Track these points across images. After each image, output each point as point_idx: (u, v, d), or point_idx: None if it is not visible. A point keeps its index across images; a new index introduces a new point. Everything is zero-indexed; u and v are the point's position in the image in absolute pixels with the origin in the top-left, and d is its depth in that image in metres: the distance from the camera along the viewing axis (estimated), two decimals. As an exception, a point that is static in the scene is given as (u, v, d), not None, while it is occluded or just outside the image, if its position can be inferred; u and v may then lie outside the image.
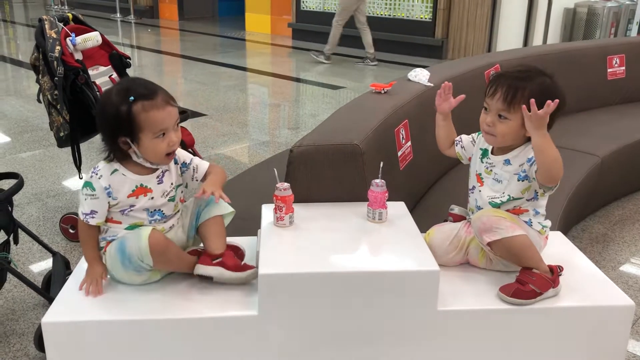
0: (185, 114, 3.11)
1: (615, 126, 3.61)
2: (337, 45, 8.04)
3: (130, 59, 3.07)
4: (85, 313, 1.65)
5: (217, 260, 1.72)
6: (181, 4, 13.26)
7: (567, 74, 3.43)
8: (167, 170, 1.78)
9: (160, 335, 1.66)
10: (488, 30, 8.01)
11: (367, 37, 7.92)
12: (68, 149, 2.97)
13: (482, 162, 1.87)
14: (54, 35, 2.74)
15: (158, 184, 1.75)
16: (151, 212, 1.75)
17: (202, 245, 1.84)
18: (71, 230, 2.94)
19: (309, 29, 9.76)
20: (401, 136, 2.38)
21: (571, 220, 2.97)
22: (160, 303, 1.69)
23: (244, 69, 8.18)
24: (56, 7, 14.61)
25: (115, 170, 1.70)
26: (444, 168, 2.91)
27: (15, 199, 2.29)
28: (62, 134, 2.86)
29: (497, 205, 1.81)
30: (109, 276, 1.77)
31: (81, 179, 2.98)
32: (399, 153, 2.35)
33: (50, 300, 2.01)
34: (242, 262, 1.79)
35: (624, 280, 2.67)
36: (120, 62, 3.01)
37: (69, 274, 1.91)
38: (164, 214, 1.77)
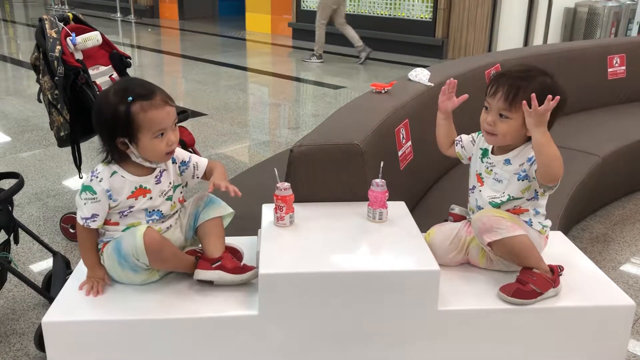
0: (185, 114, 3.11)
1: (616, 126, 3.61)
2: (324, 43, 8.09)
3: (130, 58, 3.07)
4: (85, 313, 1.65)
5: (217, 264, 1.72)
6: (181, 3, 13.26)
7: (568, 73, 3.43)
8: (165, 170, 1.78)
9: (161, 335, 1.65)
10: (488, 30, 8.00)
11: (350, 32, 8.00)
12: (68, 149, 2.97)
13: (482, 162, 1.87)
14: (55, 35, 2.74)
15: (156, 183, 1.74)
16: (149, 212, 1.75)
17: (200, 245, 1.84)
18: (71, 230, 2.94)
19: (309, 29, 9.72)
20: (401, 136, 2.38)
21: (571, 220, 2.97)
22: (161, 303, 1.69)
23: (244, 68, 8.18)
24: (56, 6, 14.61)
25: (115, 172, 1.70)
26: (444, 168, 2.91)
27: (15, 198, 2.29)
28: (62, 133, 2.86)
29: (497, 205, 1.81)
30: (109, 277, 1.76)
31: (81, 178, 2.98)
32: (400, 153, 2.35)
33: (50, 300, 2.01)
34: (242, 263, 1.79)
35: (625, 280, 2.67)
36: (120, 62, 3.01)
37: (69, 273, 1.91)
38: (162, 213, 1.77)
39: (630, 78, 4.16)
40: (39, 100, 2.93)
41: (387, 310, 1.67)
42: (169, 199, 1.78)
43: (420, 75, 2.80)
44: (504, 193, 1.81)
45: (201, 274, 1.71)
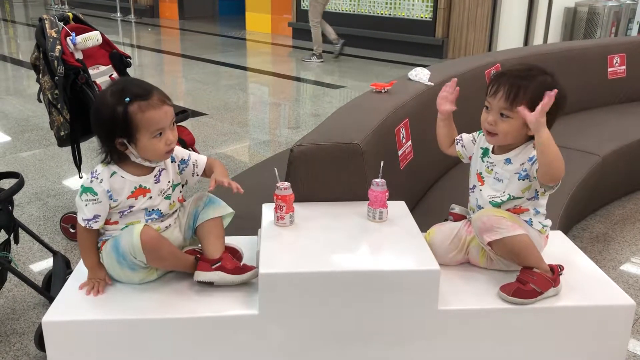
0: (185, 113, 3.11)
1: (616, 125, 3.61)
2: (322, 42, 8.12)
3: (130, 58, 3.07)
4: (85, 312, 1.65)
5: (217, 265, 1.71)
6: (181, 3, 13.26)
7: (568, 73, 3.43)
8: (164, 169, 1.77)
9: (161, 334, 1.65)
10: (488, 29, 8.00)
11: (327, 27, 8.11)
12: (68, 149, 2.97)
13: (483, 161, 1.87)
14: (55, 35, 2.74)
15: (155, 183, 1.74)
16: (149, 211, 1.75)
17: (199, 245, 1.84)
18: (72, 230, 2.94)
19: (309, 28, 9.74)
20: (402, 135, 2.38)
21: (572, 219, 2.97)
22: (161, 302, 1.69)
23: (244, 68, 8.18)
24: (56, 6, 14.59)
25: (114, 172, 1.70)
26: (444, 167, 2.91)
27: (15, 198, 2.29)
28: (62, 133, 2.86)
29: (497, 205, 1.81)
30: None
31: (81, 178, 2.98)
32: (400, 152, 2.35)
33: (50, 299, 2.01)
34: (242, 263, 1.79)
35: (625, 279, 2.67)
36: (120, 62, 3.01)
37: (70, 273, 1.91)
38: (161, 212, 1.77)
39: (630, 78, 4.16)
40: (39, 100, 2.94)
41: (387, 310, 1.67)
42: (168, 197, 1.78)
43: (421, 74, 2.80)
44: (504, 192, 1.81)
45: (201, 275, 1.71)
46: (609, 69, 4.08)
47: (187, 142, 3.02)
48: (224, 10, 14.06)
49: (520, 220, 1.79)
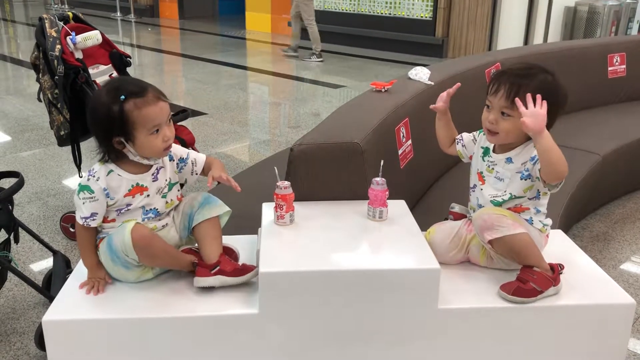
0: (185, 113, 3.11)
1: (616, 124, 3.61)
2: (320, 41, 8.17)
3: (130, 57, 3.07)
4: (85, 311, 1.65)
5: (216, 270, 1.71)
6: (181, 3, 13.26)
7: (568, 72, 3.42)
8: (162, 167, 1.77)
9: (161, 333, 1.65)
10: (488, 28, 8.00)
11: (298, 28, 8.31)
12: (68, 148, 2.97)
13: (484, 161, 1.87)
14: (54, 34, 2.74)
15: (153, 181, 1.74)
16: (146, 210, 1.74)
17: (196, 245, 1.83)
18: (72, 229, 2.94)
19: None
20: (402, 134, 2.38)
21: (572, 218, 2.97)
22: (161, 301, 1.69)
23: (244, 67, 8.18)
24: (56, 5, 14.59)
25: (111, 171, 1.70)
26: (444, 166, 2.91)
27: (15, 197, 2.29)
28: (62, 132, 2.86)
29: (498, 204, 1.81)
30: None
31: (81, 177, 2.98)
32: (400, 151, 2.35)
33: (50, 298, 2.01)
34: (242, 263, 1.78)
35: (625, 278, 2.67)
36: (120, 61, 3.01)
37: (70, 272, 1.91)
38: (157, 211, 1.77)
39: (630, 77, 4.16)
40: (39, 100, 2.94)
41: (387, 309, 1.67)
42: (164, 196, 1.78)
43: (421, 74, 2.80)
44: (505, 192, 1.81)
45: (201, 281, 1.71)
46: (609, 68, 4.09)
47: (187, 141, 3.02)
48: (224, 10, 14.06)
49: (521, 219, 1.79)
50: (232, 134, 4.94)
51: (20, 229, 2.29)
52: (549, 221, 1.86)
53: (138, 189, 1.72)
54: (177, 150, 1.83)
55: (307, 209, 1.93)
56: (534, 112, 1.60)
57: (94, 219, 1.70)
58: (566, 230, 2.58)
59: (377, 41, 8.87)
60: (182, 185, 1.91)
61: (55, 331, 1.63)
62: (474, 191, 1.91)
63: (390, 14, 8.90)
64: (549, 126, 1.64)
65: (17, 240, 2.29)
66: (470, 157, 1.96)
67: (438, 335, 1.72)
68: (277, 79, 7.47)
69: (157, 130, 1.66)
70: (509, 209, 1.80)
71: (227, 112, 5.62)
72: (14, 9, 15.43)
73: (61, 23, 2.84)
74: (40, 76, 2.82)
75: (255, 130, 5.22)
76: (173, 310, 1.66)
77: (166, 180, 1.78)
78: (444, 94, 1.94)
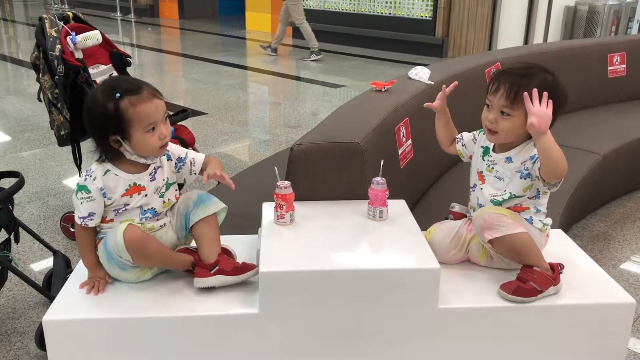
0: (185, 113, 3.12)
1: (616, 124, 3.61)
2: (315, 37, 8.22)
3: (130, 57, 3.07)
4: (86, 311, 1.65)
5: (215, 270, 1.70)
6: (181, 2, 13.26)
7: (568, 72, 3.42)
8: (159, 167, 1.77)
9: (161, 333, 1.66)
10: (488, 28, 8.00)
11: (283, 30, 8.39)
12: (68, 148, 2.97)
13: (484, 160, 1.87)
14: (55, 34, 2.74)
15: (151, 181, 1.74)
16: (144, 210, 1.74)
17: (193, 244, 1.82)
18: (72, 229, 2.94)
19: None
20: (402, 134, 2.38)
21: (572, 218, 2.97)
22: (161, 301, 1.69)
23: (244, 67, 8.18)
24: (56, 5, 14.60)
25: (108, 170, 1.70)
26: (444, 166, 2.91)
27: (16, 197, 2.29)
28: (62, 132, 2.86)
29: (498, 203, 1.81)
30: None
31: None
32: (400, 151, 2.35)
33: (51, 298, 2.01)
34: (242, 262, 1.77)
35: (625, 278, 2.67)
36: (120, 61, 3.01)
37: (70, 272, 1.91)
38: (155, 211, 1.76)
39: (630, 76, 4.16)
40: (39, 99, 2.94)
41: (387, 309, 1.67)
42: (162, 196, 1.78)
43: (421, 73, 2.80)
44: (505, 191, 1.81)
45: (201, 282, 1.70)
46: (609, 68, 4.08)
47: (187, 141, 3.02)
48: (224, 10, 14.06)
49: (521, 218, 1.79)
50: (232, 134, 4.94)
51: (20, 229, 2.29)
52: (549, 220, 1.86)
53: (135, 189, 1.71)
54: (175, 149, 1.83)
55: (307, 208, 1.93)
56: (541, 112, 1.60)
57: (91, 219, 1.70)
58: (566, 229, 2.58)
59: (377, 41, 8.87)
60: (181, 186, 1.91)
61: (56, 331, 1.63)
62: (474, 190, 1.91)
63: (390, 13, 8.90)
64: (549, 126, 1.64)
65: (17, 240, 2.29)
66: (470, 157, 1.96)
67: (438, 334, 1.72)
68: (277, 78, 7.47)
69: (153, 128, 1.65)
70: (509, 208, 1.80)
71: (227, 112, 5.62)
72: (14, 9, 15.43)
73: (61, 23, 2.84)
74: (41, 76, 2.82)
75: (255, 130, 5.22)
76: (173, 310, 1.66)
77: (164, 179, 1.78)
78: (440, 93, 1.94)
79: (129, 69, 3.08)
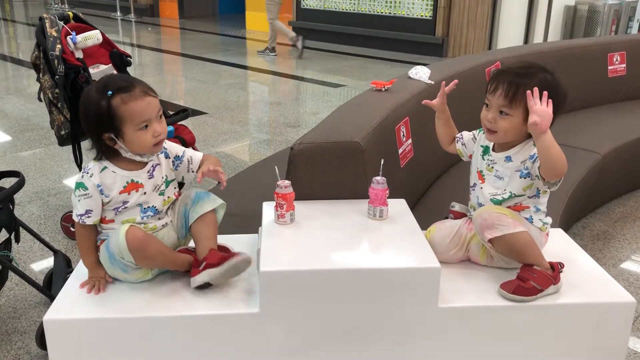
0: (186, 113, 3.12)
1: (616, 123, 3.61)
2: (289, 30, 8.44)
3: (130, 57, 3.07)
4: (86, 310, 1.65)
5: (203, 265, 1.70)
6: (181, 2, 13.26)
7: (568, 71, 3.43)
8: (158, 165, 1.77)
9: (162, 332, 1.66)
10: (488, 28, 8.00)
11: (282, 26, 8.53)
12: (69, 148, 2.97)
13: (484, 159, 1.87)
14: (55, 34, 2.74)
15: (149, 178, 1.74)
16: (144, 208, 1.74)
17: (193, 245, 1.82)
18: (72, 229, 2.94)
19: (309, 27, 9.75)
20: (402, 134, 2.38)
21: (572, 217, 2.97)
22: (162, 301, 1.69)
23: (244, 67, 8.18)
24: (56, 5, 14.60)
25: (105, 167, 1.70)
26: (444, 165, 2.91)
27: (16, 197, 2.29)
28: (63, 132, 2.86)
29: (498, 202, 1.82)
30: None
31: (82, 177, 2.99)
32: (400, 150, 2.35)
33: (51, 298, 2.02)
34: (230, 252, 1.75)
35: (625, 277, 2.68)
36: (120, 61, 3.01)
37: (70, 272, 1.92)
38: (156, 209, 1.77)
39: (630, 76, 4.16)
40: (40, 99, 2.94)
41: (387, 308, 1.68)
42: (161, 194, 1.78)
43: (421, 73, 2.80)
44: (505, 190, 1.81)
45: (193, 280, 1.71)
46: (609, 67, 4.09)
47: (187, 140, 3.02)
48: (224, 9, 14.07)
49: (521, 217, 1.79)
50: (232, 134, 4.94)
51: (21, 229, 2.29)
52: (549, 220, 1.86)
53: (133, 186, 1.72)
54: (173, 147, 1.83)
55: (307, 208, 1.93)
56: (543, 112, 1.60)
57: (89, 216, 1.70)
58: (566, 229, 2.58)
59: (377, 40, 8.87)
60: (182, 185, 1.91)
61: (56, 330, 1.63)
62: (474, 190, 1.91)
63: (390, 13, 8.91)
64: (549, 125, 1.65)
65: (17, 240, 2.29)
66: (470, 156, 1.96)
67: (438, 334, 1.72)
68: (277, 78, 7.47)
69: (147, 126, 1.66)
70: (509, 207, 1.81)
71: (227, 112, 5.63)
72: (14, 9, 15.43)
73: (61, 23, 2.85)
74: (41, 76, 2.82)
75: (256, 129, 5.22)
76: (174, 310, 1.66)
77: (162, 177, 1.78)
78: (440, 91, 1.94)
79: (129, 69, 3.08)
